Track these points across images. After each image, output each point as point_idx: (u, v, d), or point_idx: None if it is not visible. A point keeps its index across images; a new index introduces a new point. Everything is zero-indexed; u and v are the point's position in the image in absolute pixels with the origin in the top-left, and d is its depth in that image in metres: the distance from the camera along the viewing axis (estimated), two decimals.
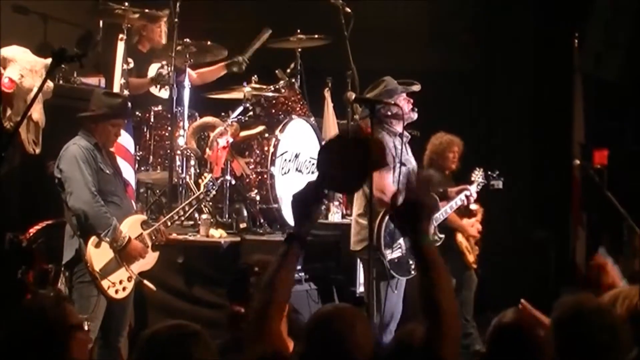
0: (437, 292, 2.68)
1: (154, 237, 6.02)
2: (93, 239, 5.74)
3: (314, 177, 7.20)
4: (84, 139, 5.90)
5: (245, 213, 7.04)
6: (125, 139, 6.58)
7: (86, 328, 3.56)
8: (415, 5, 10.34)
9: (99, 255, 5.75)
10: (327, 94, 7.76)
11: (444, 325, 2.65)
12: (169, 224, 6.12)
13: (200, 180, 6.47)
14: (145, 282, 6.01)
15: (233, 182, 7.00)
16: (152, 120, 7.30)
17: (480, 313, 8.08)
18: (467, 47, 10.34)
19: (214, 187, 6.43)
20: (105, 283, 5.75)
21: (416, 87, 6.46)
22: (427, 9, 10.48)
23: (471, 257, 7.89)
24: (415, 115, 6.41)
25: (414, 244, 2.82)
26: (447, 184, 7.72)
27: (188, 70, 7.22)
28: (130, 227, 5.93)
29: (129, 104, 6.49)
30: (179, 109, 7.13)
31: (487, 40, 10.73)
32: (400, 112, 6.17)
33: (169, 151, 7.04)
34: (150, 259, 6.05)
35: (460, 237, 7.83)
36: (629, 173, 9.25)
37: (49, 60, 6.78)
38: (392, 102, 6.18)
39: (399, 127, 6.30)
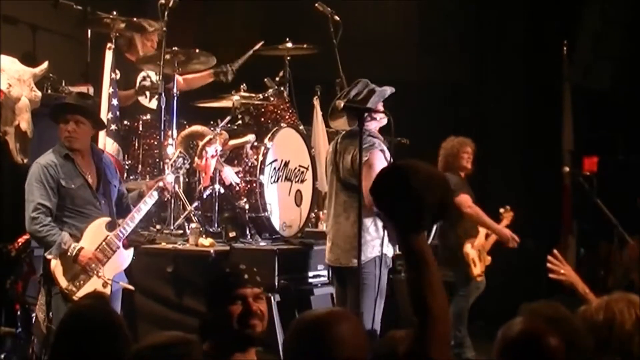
0: (429, 291, 2.54)
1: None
2: (53, 260, 5.75)
3: (302, 185, 7.31)
4: (52, 153, 5.93)
5: (234, 222, 7.01)
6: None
7: None
8: (406, 15, 10.37)
9: (64, 272, 5.74)
10: (316, 102, 7.76)
11: (434, 325, 2.52)
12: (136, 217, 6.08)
13: (167, 160, 6.49)
14: (122, 284, 5.96)
15: (222, 190, 6.98)
16: (140, 129, 7.30)
17: (471, 322, 8.06)
18: (457, 57, 10.37)
19: (185, 162, 6.44)
20: (80, 296, 5.66)
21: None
22: (417, 19, 10.51)
23: (477, 270, 7.81)
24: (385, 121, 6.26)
25: (405, 238, 2.56)
26: (463, 187, 7.71)
27: (176, 76, 7.21)
28: (93, 233, 5.86)
29: (114, 111, 6.51)
30: (168, 117, 7.12)
31: (477, 50, 10.77)
32: (385, 118, 6.15)
33: (157, 160, 7.03)
34: (123, 258, 5.99)
35: (467, 248, 7.78)
36: (619, 181, 9.26)
37: (36, 70, 6.81)
38: (382, 110, 6.16)
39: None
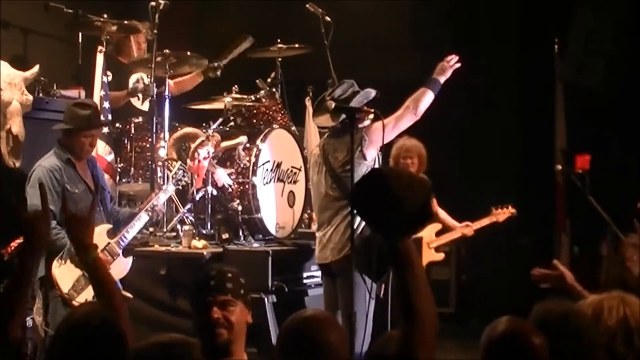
0: (414, 293, 2.55)
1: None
2: (55, 263, 5.71)
3: (295, 186, 7.31)
4: (54, 156, 5.93)
5: (227, 224, 7.01)
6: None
7: None
8: (397, 14, 10.36)
9: (65, 276, 5.72)
10: (308, 103, 7.76)
11: (421, 328, 2.54)
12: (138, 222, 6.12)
13: (168, 171, 6.46)
14: (122, 291, 5.97)
15: (215, 192, 6.98)
16: (132, 131, 7.28)
17: (467, 320, 8.08)
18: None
19: (185, 175, 6.44)
20: (79, 301, 5.64)
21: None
22: (409, 18, 10.50)
23: None
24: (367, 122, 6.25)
25: (391, 243, 2.58)
26: None
27: (167, 80, 7.20)
28: (95, 239, 5.86)
29: (106, 114, 6.49)
30: (160, 119, 7.11)
31: (469, 48, 10.75)
32: (371, 118, 6.15)
33: (150, 162, 7.02)
34: (122, 266, 6.02)
35: None
36: (612, 178, 9.27)
37: (27, 73, 6.80)
38: (372, 110, 6.15)
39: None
